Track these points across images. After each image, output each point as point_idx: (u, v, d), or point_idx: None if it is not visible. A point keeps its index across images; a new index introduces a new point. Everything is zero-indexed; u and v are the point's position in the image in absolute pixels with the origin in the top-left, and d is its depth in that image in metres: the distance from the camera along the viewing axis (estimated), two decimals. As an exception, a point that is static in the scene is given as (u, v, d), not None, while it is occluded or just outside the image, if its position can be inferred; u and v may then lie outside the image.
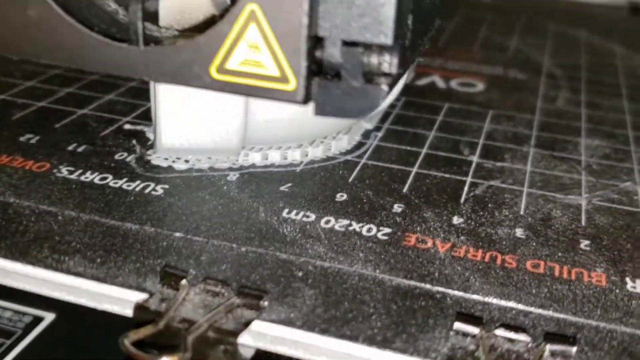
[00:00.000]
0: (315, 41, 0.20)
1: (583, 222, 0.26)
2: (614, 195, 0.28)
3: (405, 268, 0.22)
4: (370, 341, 0.22)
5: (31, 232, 0.24)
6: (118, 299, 0.23)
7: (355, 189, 0.27)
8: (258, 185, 0.27)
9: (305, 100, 0.20)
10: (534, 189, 0.28)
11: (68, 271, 0.22)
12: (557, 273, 0.23)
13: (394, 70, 0.20)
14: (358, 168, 0.29)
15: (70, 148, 0.29)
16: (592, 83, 0.40)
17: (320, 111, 0.21)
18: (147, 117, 0.32)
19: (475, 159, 0.30)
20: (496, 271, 0.23)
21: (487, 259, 0.23)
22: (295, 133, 0.28)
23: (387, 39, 0.19)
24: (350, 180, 0.28)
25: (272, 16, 0.20)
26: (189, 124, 0.26)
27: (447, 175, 0.29)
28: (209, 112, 0.26)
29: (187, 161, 0.28)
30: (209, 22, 0.22)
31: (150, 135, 0.30)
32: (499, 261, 0.23)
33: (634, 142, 0.33)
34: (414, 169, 0.29)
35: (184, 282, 0.21)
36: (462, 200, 0.27)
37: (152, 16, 0.24)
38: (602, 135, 0.33)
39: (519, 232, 0.25)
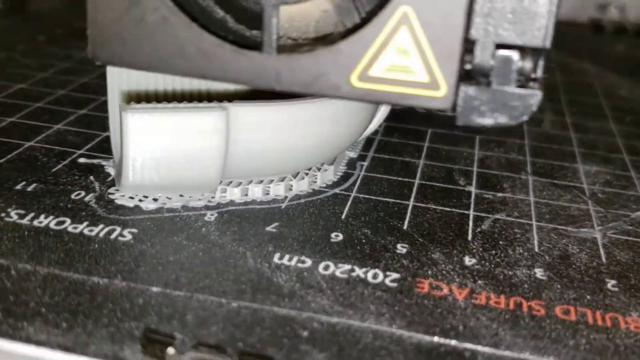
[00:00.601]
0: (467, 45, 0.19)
1: (603, 259, 0.23)
2: (627, 226, 0.26)
3: (424, 321, 0.19)
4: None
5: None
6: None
7: (351, 227, 0.24)
8: (241, 226, 0.23)
9: (453, 107, 0.19)
10: (542, 222, 0.25)
11: (27, 339, 0.18)
12: (590, 320, 0.20)
13: (540, 74, 0.19)
14: (349, 202, 0.26)
15: (18, 187, 0.25)
16: (574, 104, 0.38)
17: (464, 119, 0.19)
18: (103, 148, 0.28)
19: (473, 189, 0.27)
20: (525, 321, 0.20)
21: (511, 306, 0.21)
22: (278, 165, 0.25)
23: (546, 41, 0.18)
24: (343, 217, 0.25)
25: (425, 18, 0.18)
26: (161, 158, 0.23)
27: (447, 209, 0.26)
28: (185, 143, 0.22)
29: (155, 200, 0.24)
30: (324, 29, 0.21)
31: (110, 170, 0.26)
32: (525, 308, 0.20)
33: (632, 167, 0.31)
34: (411, 202, 0.26)
35: (171, 350, 0.17)
36: (469, 236, 0.24)
37: (254, 24, 0.21)
38: (599, 160, 0.31)
39: (539, 273, 0.22)
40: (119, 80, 0.25)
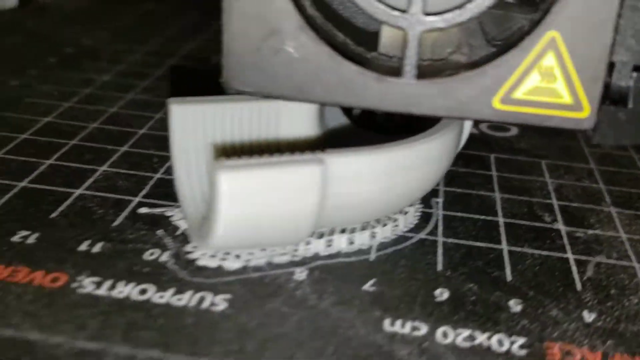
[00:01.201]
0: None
1: None
2: None
3: (571, 397, 0.18)
4: None
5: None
6: None
7: (453, 282, 0.22)
8: (336, 286, 0.21)
9: (595, 127, 0.19)
10: (644, 263, 0.24)
11: None
12: None
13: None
14: (440, 250, 0.24)
15: (82, 248, 0.22)
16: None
17: (602, 139, 0.20)
18: (160, 194, 0.26)
19: (561, 226, 0.26)
20: (672, 387, 0.18)
21: (651, 369, 0.19)
22: (371, 214, 0.23)
23: None
24: (439, 269, 0.23)
25: (572, 43, 0.18)
26: (254, 216, 0.20)
27: (544, 252, 0.24)
28: (279, 199, 0.20)
29: (238, 256, 0.22)
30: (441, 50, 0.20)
31: (179, 223, 0.24)
32: (666, 371, 0.19)
33: None
34: (504, 247, 0.24)
35: None
36: (578, 286, 0.22)
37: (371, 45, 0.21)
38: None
39: (664, 326, 0.21)
40: (183, 124, 0.23)
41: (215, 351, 0.18)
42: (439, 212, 0.26)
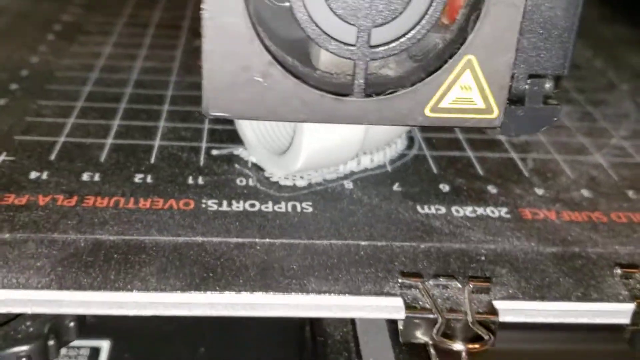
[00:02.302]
0: (511, 76, 0.25)
1: None
2: None
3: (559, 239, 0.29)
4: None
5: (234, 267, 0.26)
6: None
7: (448, 179, 0.33)
8: (376, 189, 0.31)
9: (501, 125, 0.26)
10: (562, 156, 0.35)
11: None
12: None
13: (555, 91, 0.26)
14: (430, 161, 0.34)
15: (190, 182, 0.31)
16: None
17: (506, 131, 0.26)
18: (216, 139, 0.34)
19: (500, 137, 0.37)
20: (599, 227, 0.30)
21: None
22: (385, 138, 0.33)
23: (566, 70, 0.25)
24: (435, 172, 0.33)
25: (484, 63, 0.25)
26: (326, 144, 0.30)
27: (496, 155, 0.35)
28: (343, 130, 0.30)
29: (302, 177, 0.32)
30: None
31: (250, 158, 0.33)
32: (593, 219, 0.30)
33: None
34: (470, 154, 0.35)
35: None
36: (526, 174, 0.34)
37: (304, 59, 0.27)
38: None
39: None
40: None
41: (322, 235, 0.28)
42: (419, 135, 0.36)
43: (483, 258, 0.27)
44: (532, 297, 0.25)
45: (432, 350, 0.24)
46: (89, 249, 0.26)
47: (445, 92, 0.25)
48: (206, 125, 0.36)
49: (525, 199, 0.31)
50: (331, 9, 0.23)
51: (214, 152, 0.33)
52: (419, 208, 0.30)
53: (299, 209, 0.29)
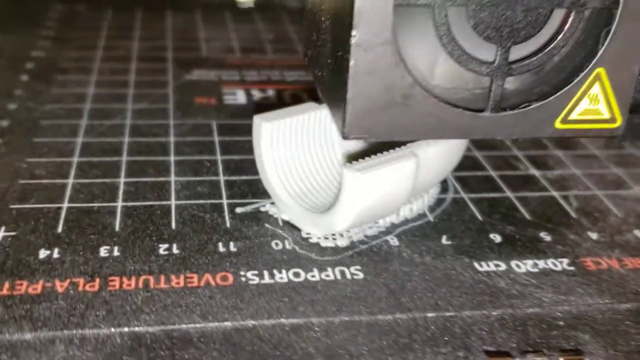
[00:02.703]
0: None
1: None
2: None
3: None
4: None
5: (297, 356, 0.23)
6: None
7: (496, 227, 0.30)
8: (424, 244, 0.29)
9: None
10: (603, 191, 0.33)
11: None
12: None
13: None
14: (471, 205, 0.32)
15: (222, 249, 0.28)
16: None
17: (622, 138, 0.28)
18: (234, 193, 0.31)
19: (534, 171, 0.35)
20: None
21: None
22: (427, 185, 0.30)
23: None
24: (480, 219, 0.31)
25: (612, 75, 0.25)
26: (371, 204, 0.27)
27: (536, 194, 0.33)
28: (390, 186, 0.27)
29: (341, 235, 0.29)
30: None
31: (281, 215, 0.30)
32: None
33: None
34: (509, 194, 0.33)
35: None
36: (573, 214, 0.31)
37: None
38: None
39: None
40: (272, 136, 0.29)
41: (383, 307, 0.25)
42: (450, 176, 0.34)
43: (562, 323, 0.25)
44: (630, 369, 0.23)
45: None
46: (127, 347, 0.22)
47: (575, 104, 0.25)
48: (222, 177, 0.32)
49: (583, 246, 0.29)
50: (475, 30, 0.24)
51: (239, 210, 0.30)
52: (476, 265, 0.28)
53: (348, 276, 0.26)
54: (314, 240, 0.28)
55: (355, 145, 0.32)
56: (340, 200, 0.27)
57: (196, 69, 0.44)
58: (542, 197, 0.33)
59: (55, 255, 0.26)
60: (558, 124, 0.25)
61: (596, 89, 0.25)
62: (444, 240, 0.29)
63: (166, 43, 0.48)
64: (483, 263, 0.28)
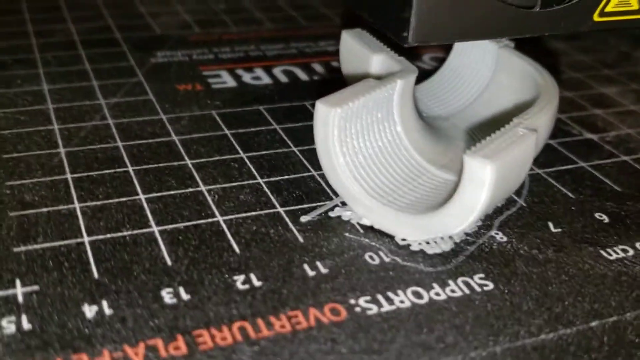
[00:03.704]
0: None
1: None
2: None
3: None
4: None
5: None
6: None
7: (593, 203, 0.26)
8: (533, 234, 0.24)
9: None
10: None
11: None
12: None
13: None
14: (554, 182, 0.28)
15: (310, 272, 0.22)
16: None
17: None
18: (292, 199, 0.25)
19: (590, 135, 0.31)
20: None
21: None
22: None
23: None
24: (573, 196, 0.27)
25: None
26: (499, 190, 0.22)
27: (609, 161, 0.29)
28: (515, 169, 0.22)
29: (442, 238, 0.24)
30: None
31: (353, 219, 0.24)
32: None
33: None
34: (583, 163, 0.29)
35: None
36: (661, 181, 0.28)
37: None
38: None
39: None
40: (340, 123, 0.23)
41: (540, 324, 0.20)
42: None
43: None
44: None
45: None
46: None
47: None
48: (261, 180, 0.26)
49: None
50: None
51: (304, 218, 0.24)
52: (604, 254, 0.24)
53: (477, 288, 0.22)
54: (414, 247, 0.23)
55: (416, 124, 0.27)
56: (460, 195, 0.22)
57: (158, 50, 0.37)
58: (615, 163, 0.29)
59: (107, 310, 0.20)
60: (596, 17, 0.26)
61: None
62: (552, 227, 0.25)
63: (107, 22, 0.41)
64: (610, 250, 0.24)
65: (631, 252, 0.24)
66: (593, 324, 0.21)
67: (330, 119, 0.23)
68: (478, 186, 0.21)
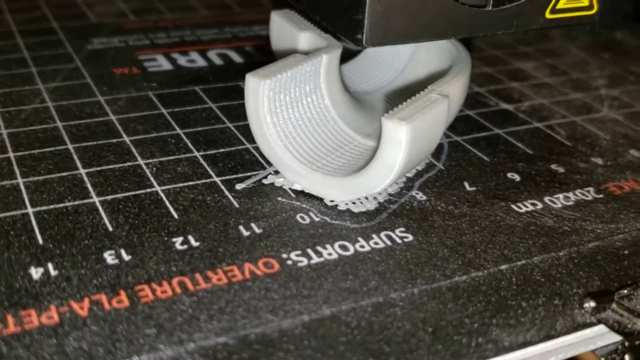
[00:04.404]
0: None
1: None
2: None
3: None
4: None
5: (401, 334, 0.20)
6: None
7: (506, 165, 0.29)
8: (451, 193, 0.27)
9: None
10: (578, 116, 0.33)
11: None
12: None
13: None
14: (470, 147, 0.30)
15: (245, 232, 0.24)
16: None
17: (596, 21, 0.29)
18: (228, 169, 0.27)
19: (505, 105, 0.34)
20: None
21: None
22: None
23: None
24: (488, 159, 0.29)
25: None
26: (411, 158, 0.24)
27: (523, 127, 0.32)
28: (430, 130, 0.24)
29: (367, 198, 0.26)
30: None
31: (284, 184, 0.26)
32: None
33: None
34: (498, 131, 0.31)
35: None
36: (567, 143, 0.31)
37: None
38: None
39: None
40: (269, 93, 0.25)
41: (455, 269, 0.23)
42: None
43: (627, 252, 0.24)
44: None
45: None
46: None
47: None
48: (197, 153, 0.28)
49: (596, 172, 0.29)
50: None
51: (239, 186, 0.26)
52: (515, 208, 0.26)
53: (398, 240, 0.24)
54: (342, 207, 0.25)
55: (342, 96, 0.28)
56: (380, 155, 0.24)
57: (94, 37, 0.38)
58: (528, 129, 0.32)
59: (53, 272, 0.21)
60: (548, 14, 0.27)
61: None
62: (467, 187, 0.27)
63: (44, 12, 0.41)
64: (520, 204, 0.26)
65: (540, 206, 0.26)
66: (503, 267, 0.23)
67: (260, 90, 0.25)
68: (396, 145, 0.23)
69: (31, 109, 0.30)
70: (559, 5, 0.27)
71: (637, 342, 0.21)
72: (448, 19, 0.25)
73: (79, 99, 0.31)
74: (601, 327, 0.21)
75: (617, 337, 0.21)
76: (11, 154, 0.27)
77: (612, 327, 0.21)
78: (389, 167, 0.24)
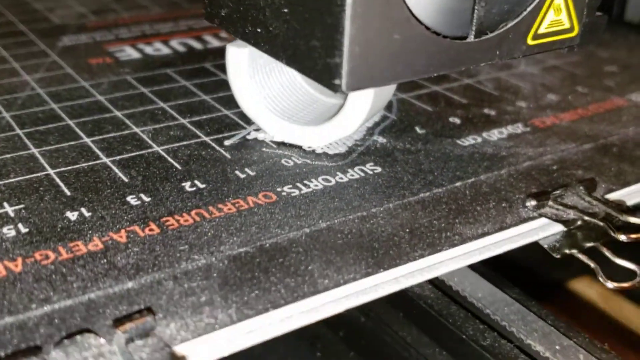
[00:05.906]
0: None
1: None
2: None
3: (573, 138, 0.32)
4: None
5: (385, 236, 0.25)
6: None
7: (447, 112, 0.34)
8: (406, 136, 0.31)
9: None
10: (501, 73, 0.39)
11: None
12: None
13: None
14: (414, 101, 0.35)
15: (242, 175, 0.28)
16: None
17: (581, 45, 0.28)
18: (215, 129, 0.31)
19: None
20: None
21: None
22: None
23: None
24: (431, 109, 0.34)
25: None
26: (374, 107, 0.29)
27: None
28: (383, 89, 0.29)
29: (337, 143, 0.30)
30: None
31: (265, 138, 0.30)
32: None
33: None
34: (435, 87, 0.37)
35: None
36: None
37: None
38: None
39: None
40: (250, 60, 0.29)
41: (420, 187, 0.27)
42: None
43: (555, 167, 0.29)
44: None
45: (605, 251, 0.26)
46: (232, 267, 0.22)
47: (543, 17, 0.26)
48: (184, 120, 0.32)
49: (522, 112, 0.34)
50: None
51: (227, 142, 0.30)
52: (459, 142, 0.31)
53: (369, 172, 0.28)
54: (319, 151, 0.30)
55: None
56: (346, 107, 0.28)
57: (63, 35, 0.42)
58: (461, 85, 0.37)
59: (87, 213, 0.25)
60: (530, 40, 0.27)
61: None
62: (418, 130, 0.32)
63: (10, 18, 0.45)
64: (463, 139, 0.31)
65: (480, 140, 0.31)
66: (457, 184, 0.28)
67: (240, 58, 0.29)
68: (364, 96, 0.28)
69: (25, 96, 0.34)
70: (541, 30, 0.27)
71: (571, 229, 0.26)
72: (430, 55, 0.24)
73: (65, 85, 0.35)
74: (543, 220, 0.26)
75: (556, 230, 0.26)
76: (19, 131, 0.30)
77: (551, 218, 0.26)
78: (358, 113, 0.28)
